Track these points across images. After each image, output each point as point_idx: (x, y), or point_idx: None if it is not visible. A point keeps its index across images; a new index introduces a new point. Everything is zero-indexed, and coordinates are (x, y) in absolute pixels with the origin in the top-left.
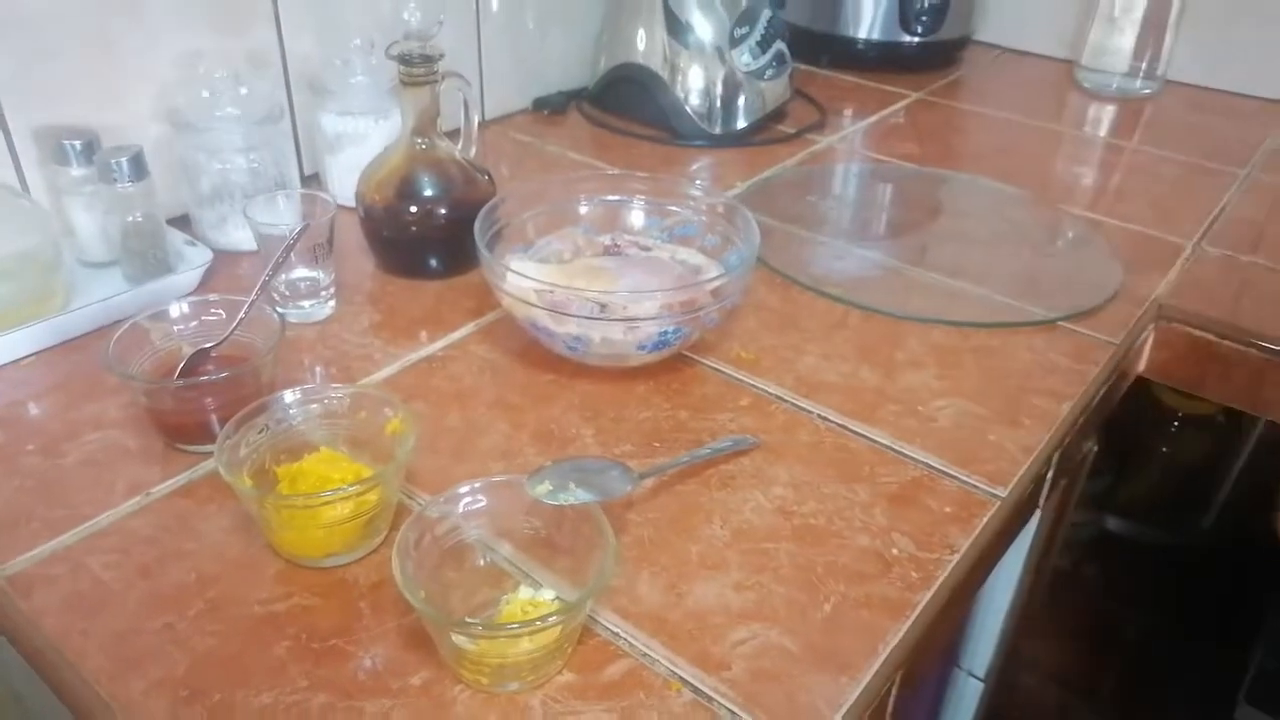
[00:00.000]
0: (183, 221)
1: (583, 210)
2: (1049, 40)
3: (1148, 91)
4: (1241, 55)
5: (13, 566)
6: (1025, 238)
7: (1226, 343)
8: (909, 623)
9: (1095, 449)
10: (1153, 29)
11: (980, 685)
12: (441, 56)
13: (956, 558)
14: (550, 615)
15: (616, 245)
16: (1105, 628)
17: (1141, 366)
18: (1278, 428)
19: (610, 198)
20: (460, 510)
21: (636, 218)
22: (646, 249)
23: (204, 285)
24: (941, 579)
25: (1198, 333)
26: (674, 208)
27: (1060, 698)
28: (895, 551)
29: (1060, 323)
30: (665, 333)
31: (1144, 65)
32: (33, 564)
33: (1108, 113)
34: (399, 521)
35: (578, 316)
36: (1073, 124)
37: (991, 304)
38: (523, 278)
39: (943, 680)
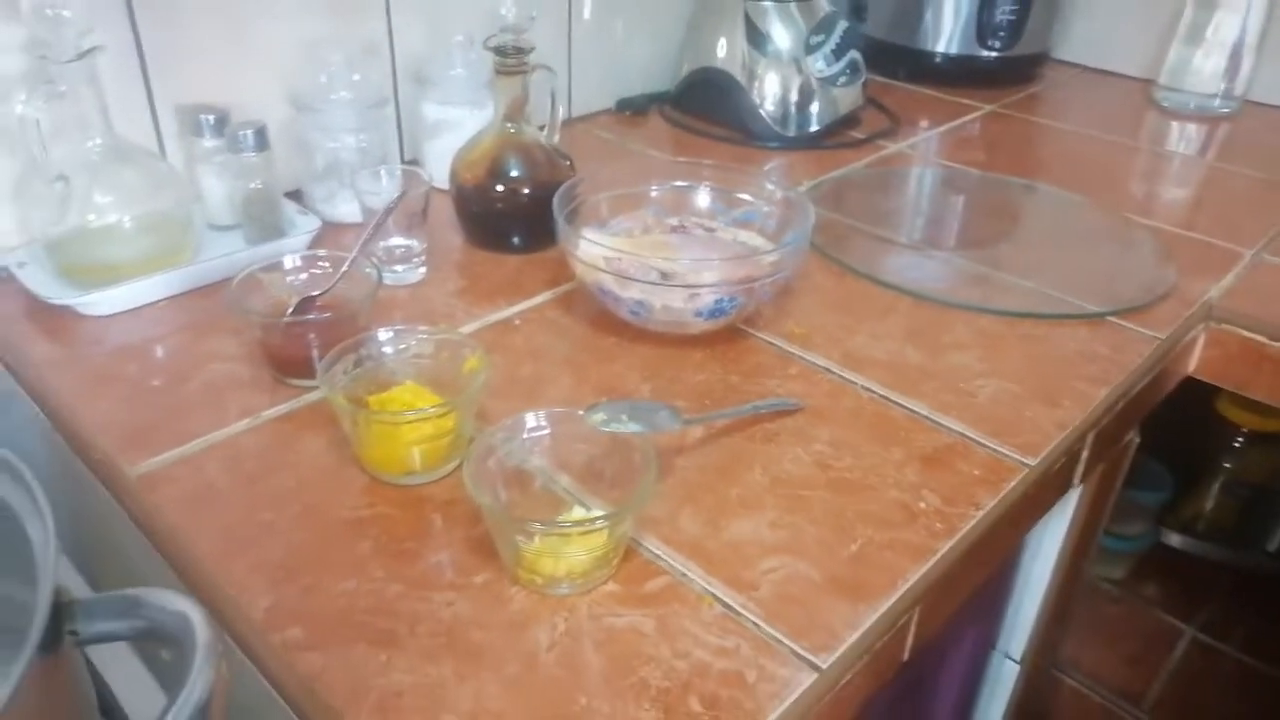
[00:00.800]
0: (296, 195)
1: (653, 194)
2: (1128, 60)
3: (1226, 111)
4: None
5: (142, 468)
6: (1082, 239)
7: (1276, 344)
8: (929, 565)
9: (1138, 440)
10: (1234, 50)
11: (1016, 668)
12: (533, 49)
13: (980, 514)
14: (600, 517)
15: (683, 225)
16: (1155, 638)
17: (1191, 366)
18: None
19: (679, 183)
20: (524, 435)
21: (703, 201)
22: (710, 230)
23: (311, 249)
24: (964, 530)
25: (1248, 334)
26: (739, 194)
27: (1103, 700)
28: (923, 505)
29: (1108, 317)
30: (721, 301)
31: (1224, 85)
32: (158, 466)
33: (1184, 131)
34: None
35: (641, 282)
36: (1147, 140)
37: (1041, 296)
38: (594, 245)
39: (978, 660)
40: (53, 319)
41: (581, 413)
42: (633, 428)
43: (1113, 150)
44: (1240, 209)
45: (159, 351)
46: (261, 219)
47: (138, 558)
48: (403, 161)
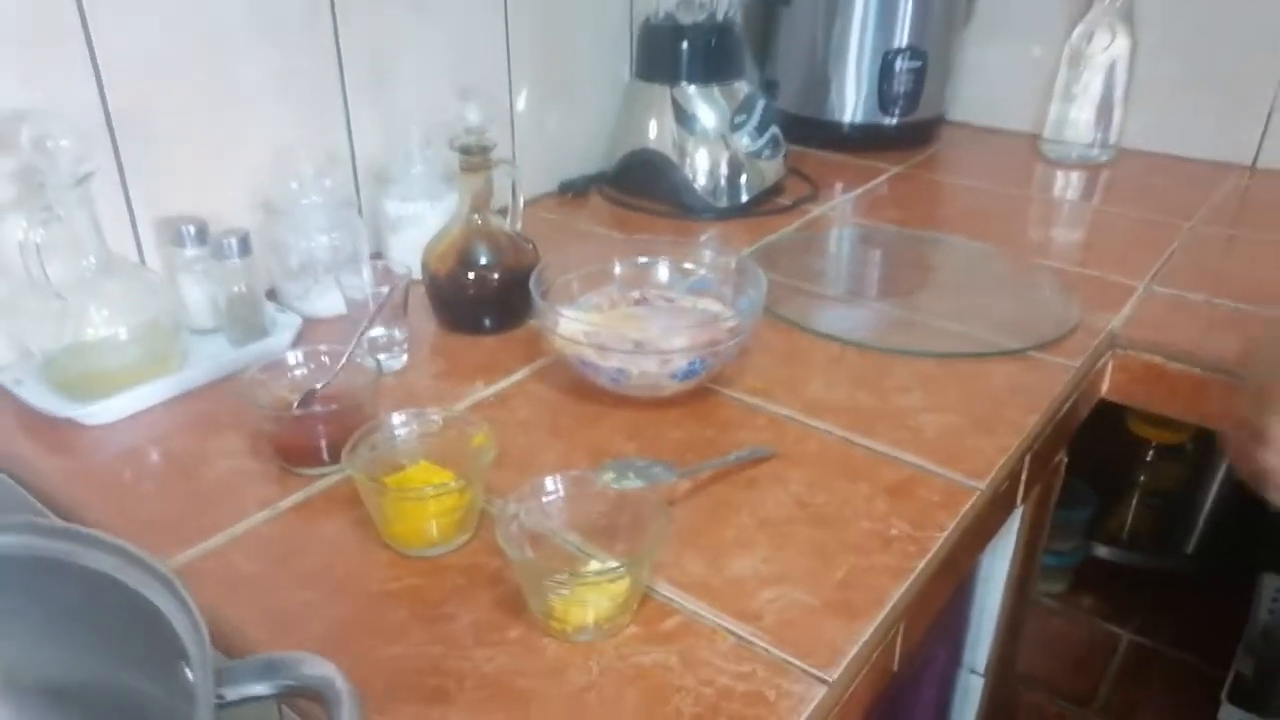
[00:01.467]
0: (270, 294)
1: (616, 271)
2: (1014, 117)
3: (1105, 159)
4: (1183, 124)
5: (174, 561)
6: (993, 284)
7: (1173, 364)
8: (908, 582)
9: (1065, 460)
10: (1104, 104)
11: (982, 680)
12: (495, 146)
13: (945, 534)
14: (620, 565)
15: (645, 298)
16: (1097, 645)
17: (1104, 389)
18: None
19: (639, 259)
20: (543, 498)
21: (661, 275)
22: (671, 300)
23: (294, 346)
24: (933, 550)
25: (1148, 357)
26: (692, 266)
27: (1060, 708)
28: (894, 532)
29: (1029, 352)
30: (693, 364)
31: (1099, 136)
32: (188, 561)
33: (1070, 179)
34: (482, 522)
35: (620, 351)
36: (1039, 190)
37: (967, 338)
38: (573, 321)
39: (948, 679)
40: (54, 432)
41: (593, 474)
42: (638, 483)
43: (1009, 201)
44: (1127, 246)
45: (166, 453)
46: (246, 320)
47: None
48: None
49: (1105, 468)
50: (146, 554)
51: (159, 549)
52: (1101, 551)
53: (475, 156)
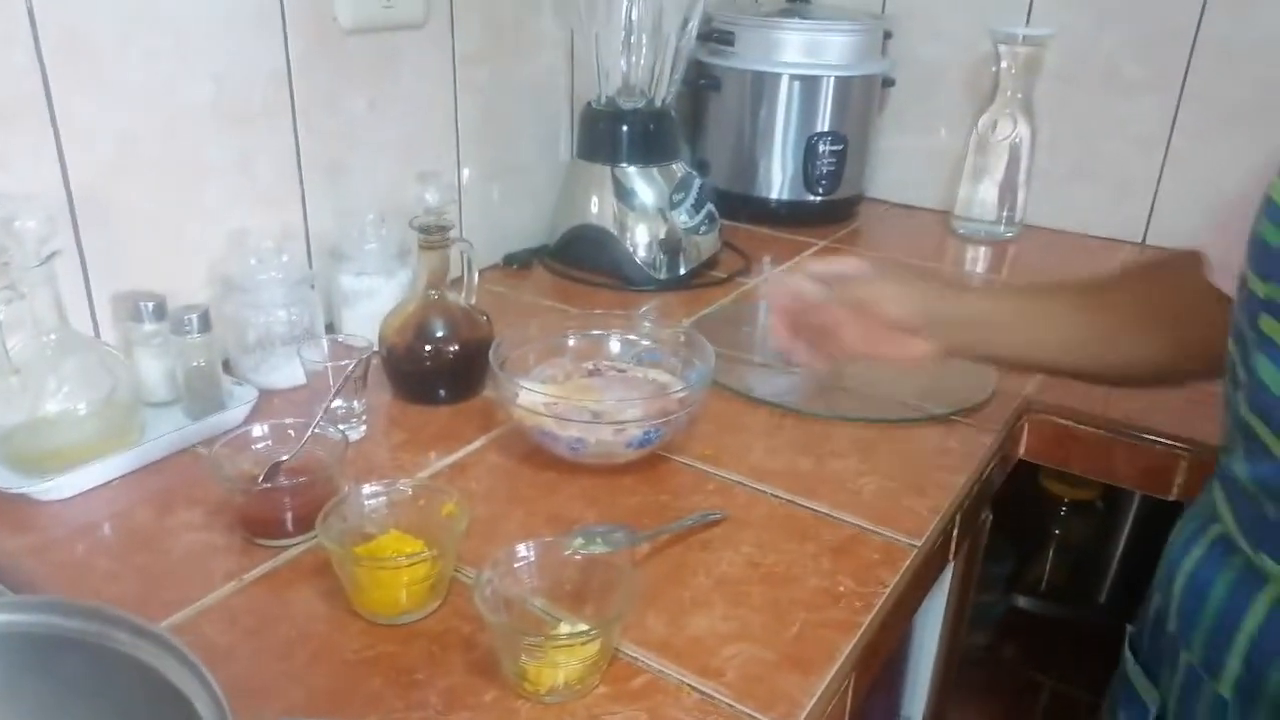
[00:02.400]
0: (224, 367)
1: (569, 343)
2: (928, 196)
3: (1010, 235)
4: (1079, 204)
5: None
6: None
7: (1082, 426)
8: (858, 635)
9: (990, 518)
10: (1007, 186)
11: None
12: (452, 226)
13: (888, 590)
14: (593, 629)
15: (598, 369)
16: (1022, 693)
17: (1021, 450)
18: (1149, 507)
19: (592, 332)
20: (515, 564)
21: (613, 347)
22: (622, 371)
23: (250, 418)
24: (879, 605)
25: (1060, 420)
26: (640, 338)
27: None
28: (841, 589)
29: (952, 417)
30: (647, 433)
31: (1005, 214)
32: None
33: (979, 253)
34: (453, 588)
35: (578, 422)
36: (951, 263)
37: (895, 404)
38: (533, 393)
39: None
40: (9, 508)
41: (563, 539)
42: (605, 548)
43: (924, 272)
44: None
45: (127, 528)
46: (204, 394)
47: None
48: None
49: (1023, 523)
50: (169, 634)
51: None
52: (1022, 603)
53: (434, 235)
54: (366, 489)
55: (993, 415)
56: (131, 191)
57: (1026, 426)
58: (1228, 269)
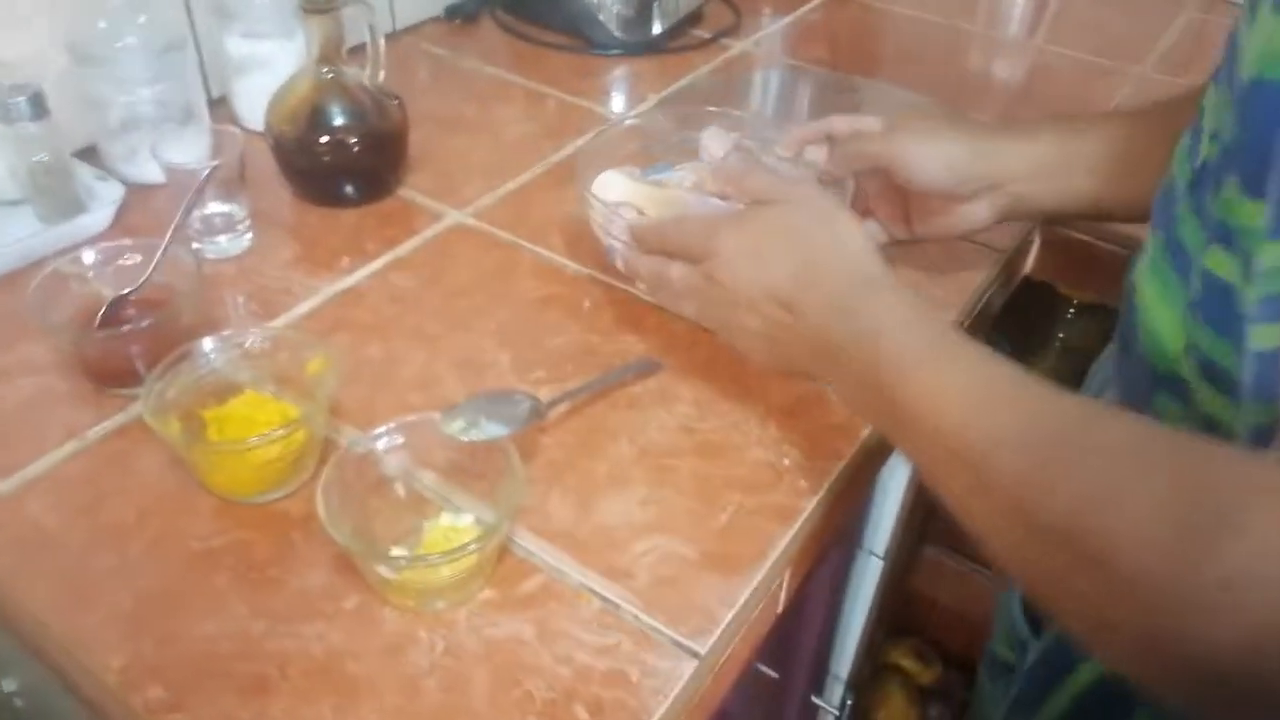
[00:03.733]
0: (91, 154)
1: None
2: None
3: None
4: None
5: None
6: None
7: (1104, 245)
8: (796, 525)
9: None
10: None
11: (881, 563)
12: None
13: (842, 465)
14: (469, 544)
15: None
16: None
17: (1029, 267)
18: None
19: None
20: (380, 447)
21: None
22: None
23: (119, 221)
24: (827, 485)
25: (1078, 236)
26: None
27: (964, 567)
28: (787, 462)
29: None
30: None
31: None
32: None
33: (1015, 9)
34: (326, 454)
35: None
36: (983, 24)
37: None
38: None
39: (845, 561)
40: None
41: (438, 417)
42: (493, 431)
43: (952, 37)
44: (1069, 100)
45: None
46: (54, 193)
47: None
48: (210, 102)
49: (1024, 324)
50: None
51: None
52: None
53: None
54: (209, 344)
55: (996, 232)
56: None
57: (1037, 243)
58: None
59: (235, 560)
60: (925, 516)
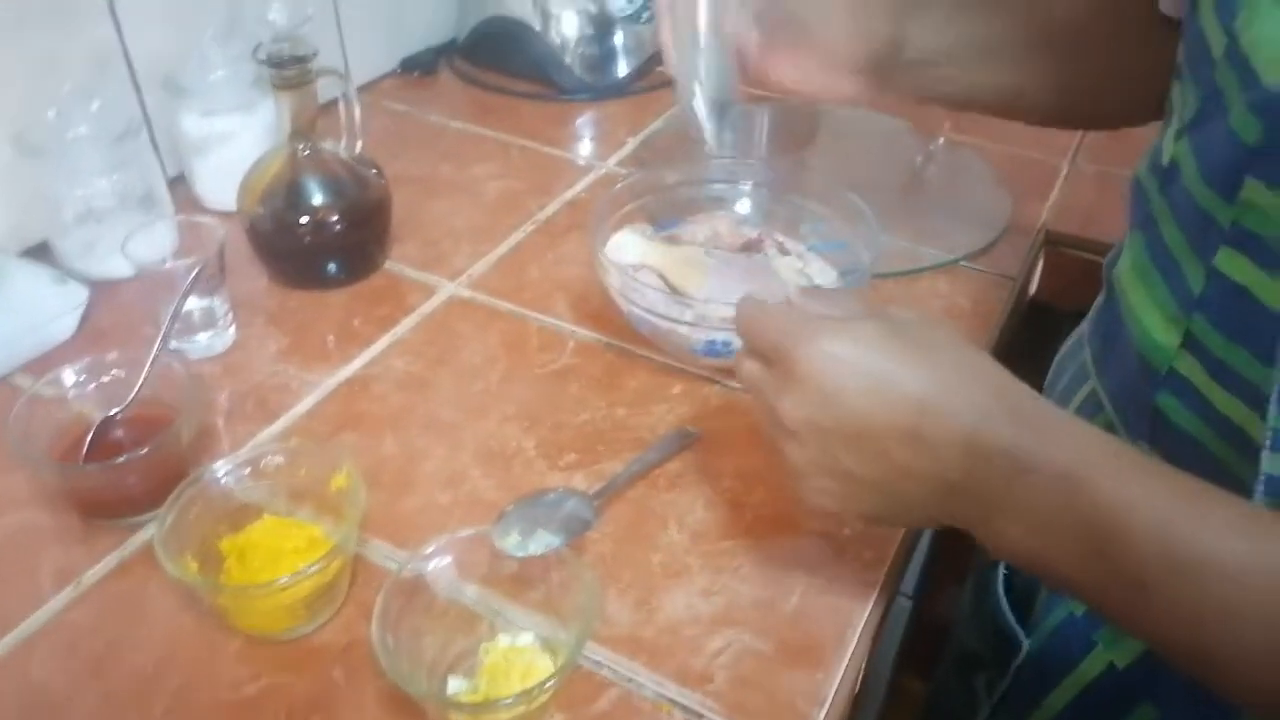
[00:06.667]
0: (44, 250)
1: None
2: None
3: None
4: None
5: None
6: (913, 173)
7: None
8: (870, 603)
9: None
10: None
11: (910, 604)
12: (315, 54)
13: (904, 530)
14: (546, 681)
15: (760, 239)
16: None
17: (1034, 289)
18: None
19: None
20: (431, 569)
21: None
22: (786, 253)
23: (86, 324)
24: (893, 553)
25: (1088, 256)
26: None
27: None
28: (846, 532)
29: (961, 264)
30: (724, 342)
31: None
32: None
33: None
34: (357, 571)
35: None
36: None
37: (892, 255)
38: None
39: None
40: None
41: (491, 531)
42: (552, 541)
43: None
44: None
45: None
46: None
47: None
48: (168, 182)
49: (1030, 348)
50: None
51: None
52: None
53: (289, 70)
54: (221, 467)
55: (1005, 256)
56: None
57: (1043, 261)
58: None
59: (276, 708)
60: (950, 556)
